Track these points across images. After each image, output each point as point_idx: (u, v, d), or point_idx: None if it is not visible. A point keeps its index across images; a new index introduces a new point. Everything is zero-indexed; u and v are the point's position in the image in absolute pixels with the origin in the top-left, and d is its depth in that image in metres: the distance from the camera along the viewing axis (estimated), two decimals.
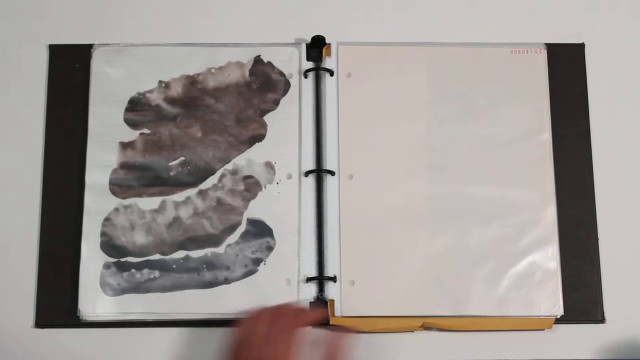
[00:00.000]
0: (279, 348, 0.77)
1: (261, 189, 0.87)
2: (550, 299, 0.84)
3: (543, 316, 0.84)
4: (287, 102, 0.89)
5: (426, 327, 0.84)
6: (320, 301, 0.84)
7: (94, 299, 0.84)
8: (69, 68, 0.90)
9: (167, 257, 0.85)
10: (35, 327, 0.85)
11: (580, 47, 0.91)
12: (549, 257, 0.85)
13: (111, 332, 0.85)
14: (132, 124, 0.88)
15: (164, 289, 0.85)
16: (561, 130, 0.88)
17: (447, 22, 0.92)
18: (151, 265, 0.85)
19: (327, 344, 0.79)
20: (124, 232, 0.86)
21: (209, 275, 0.85)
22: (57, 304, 0.85)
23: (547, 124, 0.88)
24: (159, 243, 0.86)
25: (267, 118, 0.88)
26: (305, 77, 0.89)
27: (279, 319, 0.79)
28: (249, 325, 0.79)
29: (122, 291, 0.85)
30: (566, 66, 0.90)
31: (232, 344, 0.78)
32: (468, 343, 0.85)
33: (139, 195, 0.87)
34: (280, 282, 0.85)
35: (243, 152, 0.88)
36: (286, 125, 0.88)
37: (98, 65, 0.89)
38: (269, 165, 0.87)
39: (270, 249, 0.85)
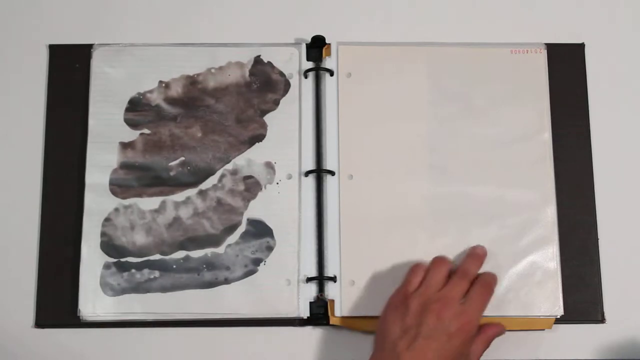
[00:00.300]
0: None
1: (261, 189, 0.87)
2: (550, 299, 0.84)
3: (543, 316, 0.84)
4: (287, 102, 0.89)
5: None
6: (320, 301, 0.84)
7: (94, 299, 0.84)
8: (69, 68, 0.90)
9: (167, 257, 0.85)
10: (35, 327, 0.85)
11: (580, 47, 0.91)
12: (549, 257, 0.85)
13: (111, 332, 0.85)
14: (132, 124, 0.88)
15: (164, 289, 0.85)
16: (561, 130, 0.88)
17: (447, 22, 0.92)
18: (151, 265, 0.85)
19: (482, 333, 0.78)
20: (124, 232, 0.86)
21: (209, 275, 0.85)
22: (57, 304, 0.85)
23: (547, 124, 0.88)
24: (159, 243, 0.86)
25: (267, 118, 0.88)
26: (305, 77, 0.89)
27: (461, 274, 0.79)
28: (418, 277, 0.79)
29: (122, 291, 0.85)
30: (566, 66, 0.90)
31: (397, 294, 0.78)
32: None
33: (139, 195, 0.87)
34: (280, 282, 0.85)
35: (243, 152, 0.88)
36: (286, 125, 0.88)
37: (98, 65, 0.89)
38: (269, 166, 0.87)
39: (270, 249, 0.85)
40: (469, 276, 0.79)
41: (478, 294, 0.78)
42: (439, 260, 0.80)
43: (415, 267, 0.80)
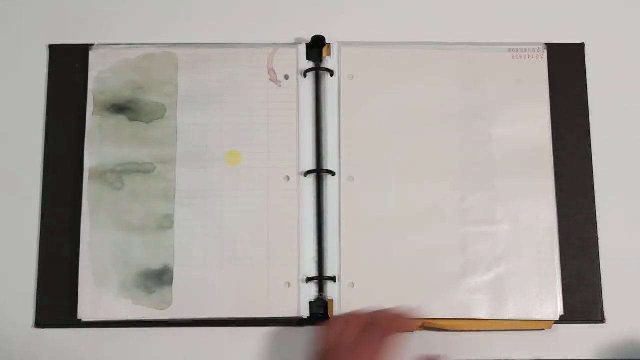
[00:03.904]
0: (365, 356, 0.75)
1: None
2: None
3: (543, 316, 0.84)
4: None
5: (426, 327, 0.84)
6: (320, 301, 0.84)
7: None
8: (69, 68, 0.90)
9: None
10: (35, 327, 0.85)
11: (580, 47, 0.91)
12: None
13: (111, 332, 0.85)
14: None
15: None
16: (561, 130, 0.88)
17: (447, 22, 0.92)
18: None
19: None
20: None
21: None
22: (57, 304, 0.85)
23: (547, 124, 0.88)
24: None
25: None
26: (305, 77, 0.89)
27: (372, 327, 0.77)
28: (337, 329, 0.78)
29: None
30: (566, 66, 0.90)
31: (318, 346, 0.77)
32: (468, 343, 0.85)
33: None
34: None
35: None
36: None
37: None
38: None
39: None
40: (373, 322, 0.78)
41: (369, 337, 0.76)
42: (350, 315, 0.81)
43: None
